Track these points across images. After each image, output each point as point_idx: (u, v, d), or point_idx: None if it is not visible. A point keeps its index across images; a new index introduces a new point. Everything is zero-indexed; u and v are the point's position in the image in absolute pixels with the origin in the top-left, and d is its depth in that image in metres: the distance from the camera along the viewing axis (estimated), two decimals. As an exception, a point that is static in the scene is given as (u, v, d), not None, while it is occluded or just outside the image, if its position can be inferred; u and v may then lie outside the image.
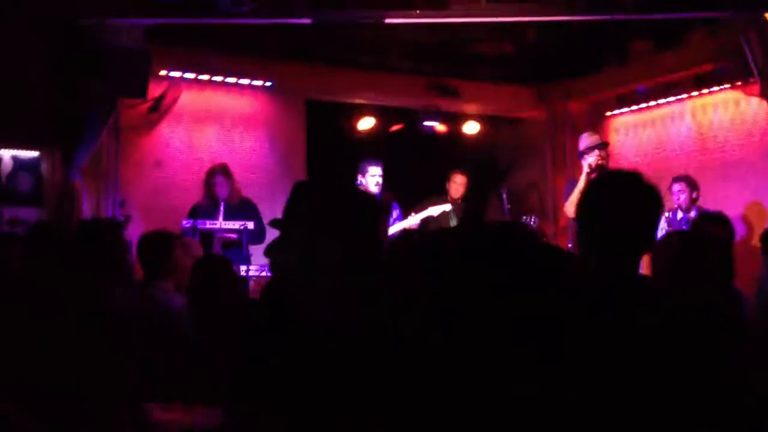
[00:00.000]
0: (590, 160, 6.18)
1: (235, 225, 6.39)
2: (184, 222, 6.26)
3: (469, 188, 7.81)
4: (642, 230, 2.08)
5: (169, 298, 4.12)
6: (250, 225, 6.38)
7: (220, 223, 6.38)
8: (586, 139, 6.44)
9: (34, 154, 5.93)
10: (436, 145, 8.85)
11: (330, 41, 7.50)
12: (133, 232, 6.14)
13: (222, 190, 6.63)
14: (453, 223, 7.39)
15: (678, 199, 6.81)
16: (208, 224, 6.30)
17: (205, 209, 6.59)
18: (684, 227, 6.57)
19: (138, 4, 5.48)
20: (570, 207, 6.19)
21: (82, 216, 5.95)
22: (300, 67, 7.79)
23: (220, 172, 6.70)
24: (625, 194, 2.08)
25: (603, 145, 6.42)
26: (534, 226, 7.12)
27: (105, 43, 5.59)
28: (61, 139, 5.81)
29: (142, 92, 6.00)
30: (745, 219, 7.29)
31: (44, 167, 5.97)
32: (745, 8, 5.94)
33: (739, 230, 6.65)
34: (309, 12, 5.61)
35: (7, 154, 5.83)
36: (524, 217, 7.32)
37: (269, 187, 7.74)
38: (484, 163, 9.19)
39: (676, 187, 6.85)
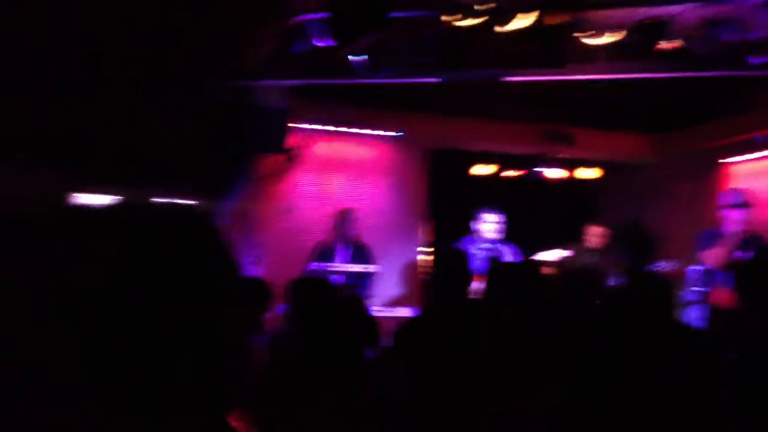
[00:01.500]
0: (740, 216, 6.33)
1: (359, 268, 6.82)
2: (312, 264, 6.72)
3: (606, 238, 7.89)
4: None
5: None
6: (372, 268, 6.79)
7: (345, 266, 6.81)
8: (730, 195, 6.58)
9: (191, 203, 6.56)
10: (554, 190, 9.08)
11: (450, 93, 7.89)
12: (264, 272, 6.69)
13: (351, 232, 7.09)
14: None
15: None
16: (337, 266, 6.73)
17: (327, 251, 7.04)
18: None
19: (280, 66, 6.00)
20: (710, 260, 6.35)
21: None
22: (422, 117, 8.24)
23: (347, 215, 7.18)
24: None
25: (746, 204, 6.53)
26: (671, 268, 7.22)
27: (249, 102, 6.17)
28: (210, 190, 6.41)
29: (280, 148, 6.56)
30: None
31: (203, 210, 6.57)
32: None
33: None
34: (438, 72, 6.00)
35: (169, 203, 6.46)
36: (662, 262, 7.34)
37: (388, 231, 8.19)
38: (600, 208, 9.35)
39: None
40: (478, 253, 7.28)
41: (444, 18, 5.07)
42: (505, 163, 8.94)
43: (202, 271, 1.06)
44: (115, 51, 5.48)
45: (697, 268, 6.59)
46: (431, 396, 3.05)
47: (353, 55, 5.25)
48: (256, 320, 4.54)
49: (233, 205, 6.56)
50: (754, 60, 5.63)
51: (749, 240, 6.26)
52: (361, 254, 7.06)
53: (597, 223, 7.92)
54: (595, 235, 7.81)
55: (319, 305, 3.96)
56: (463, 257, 3.94)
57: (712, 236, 6.49)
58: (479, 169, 8.75)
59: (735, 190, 6.77)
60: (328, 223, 7.39)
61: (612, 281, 6.70)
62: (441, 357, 3.18)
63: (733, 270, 5.46)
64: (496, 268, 3.78)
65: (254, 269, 7.25)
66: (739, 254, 6.11)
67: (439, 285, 3.44)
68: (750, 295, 2.31)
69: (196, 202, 6.33)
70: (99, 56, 5.48)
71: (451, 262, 3.71)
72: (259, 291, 4.63)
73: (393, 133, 8.17)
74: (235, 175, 6.39)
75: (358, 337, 3.55)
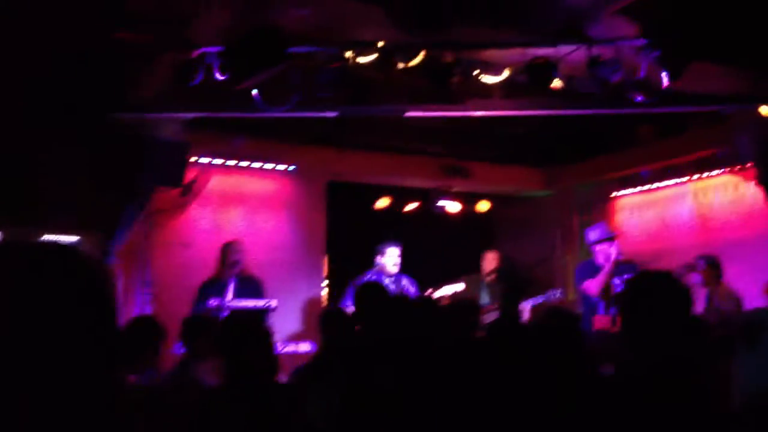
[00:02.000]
0: (613, 249, 6.61)
1: (259, 303, 6.69)
2: (211, 301, 6.55)
3: (502, 264, 8.11)
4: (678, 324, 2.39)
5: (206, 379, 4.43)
6: (274, 303, 6.68)
7: (240, 301, 6.65)
8: (599, 230, 6.88)
9: (75, 238, 6.31)
10: (450, 222, 9.24)
11: (349, 127, 7.94)
12: (160, 310, 6.50)
13: (239, 265, 6.92)
14: (484, 298, 7.78)
15: (693, 279, 6.93)
16: (242, 302, 6.57)
17: (214, 285, 6.83)
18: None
19: (176, 98, 5.90)
20: (593, 288, 6.62)
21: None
22: (321, 150, 8.25)
23: (232, 247, 7.01)
24: (664, 296, 2.40)
25: (615, 237, 6.85)
26: (560, 298, 7.49)
27: (144, 135, 6.02)
28: (100, 225, 6.20)
29: (178, 182, 6.42)
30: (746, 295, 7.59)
31: (83, 251, 6.34)
32: (739, 103, 6.37)
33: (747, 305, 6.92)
34: (335, 107, 6.03)
35: (50, 239, 6.22)
36: (550, 290, 7.59)
37: (290, 265, 8.12)
38: (496, 239, 9.57)
39: (700, 263, 6.99)
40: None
41: (341, 54, 5.11)
42: (403, 196, 9.04)
43: (75, 315, 1.07)
44: (6, 81, 5.28)
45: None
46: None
47: (250, 88, 5.21)
48: (147, 358, 4.42)
49: (124, 240, 6.35)
50: (637, 98, 5.92)
51: (622, 269, 6.58)
52: (250, 287, 6.90)
53: (491, 251, 8.13)
54: (489, 263, 8.03)
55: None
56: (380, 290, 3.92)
57: (590, 267, 6.80)
58: (378, 203, 8.82)
59: (600, 225, 7.12)
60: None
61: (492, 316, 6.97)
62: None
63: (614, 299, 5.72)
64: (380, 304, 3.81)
65: (146, 307, 7.04)
66: (616, 281, 6.46)
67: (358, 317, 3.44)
68: (629, 315, 2.42)
69: (79, 240, 6.12)
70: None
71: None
72: (149, 329, 4.51)
73: (290, 167, 8.14)
74: (128, 210, 6.20)
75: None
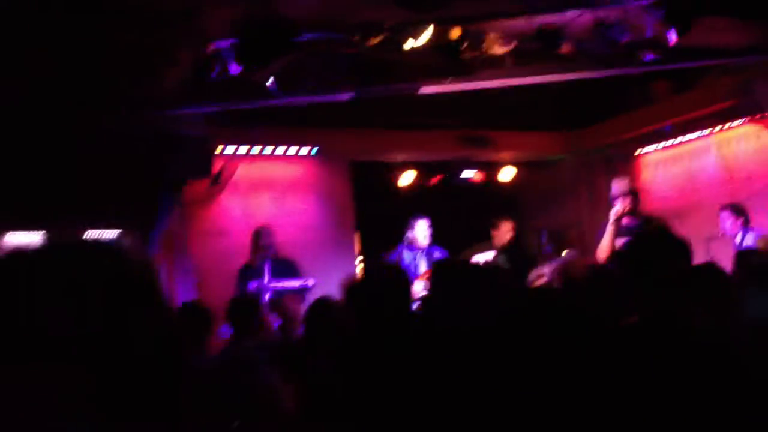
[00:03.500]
0: (617, 207, 6.46)
1: (296, 283, 6.91)
2: (251, 284, 6.79)
3: (516, 233, 8.16)
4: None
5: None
6: (311, 282, 6.89)
7: (280, 282, 6.87)
8: (614, 187, 6.83)
9: (115, 233, 6.59)
10: (475, 193, 9.36)
11: (367, 106, 8.08)
12: (203, 296, 6.76)
13: (271, 248, 7.15)
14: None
15: (724, 225, 7.04)
16: (280, 283, 6.79)
17: (251, 270, 7.07)
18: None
19: (197, 93, 6.09)
20: (600, 253, 6.50)
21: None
22: (342, 132, 8.41)
23: (263, 231, 7.25)
24: (659, 251, 2.52)
25: (630, 193, 6.67)
26: (573, 258, 7.53)
27: (170, 131, 6.25)
28: (138, 219, 6.46)
29: (207, 172, 6.65)
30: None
31: (125, 244, 6.64)
32: (753, 55, 6.38)
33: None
34: (351, 88, 6.18)
35: (93, 235, 6.50)
36: (565, 251, 7.69)
37: (322, 245, 8.33)
38: (522, 206, 9.67)
39: (722, 215, 7.07)
40: (412, 259, 7.51)
41: (350, 38, 5.25)
42: (426, 170, 9.17)
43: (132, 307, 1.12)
44: (38, 84, 5.52)
45: None
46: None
47: (266, 77, 5.38)
48: (198, 343, 4.66)
49: (162, 232, 6.61)
50: (647, 57, 5.98)
51: (639, 226, 6.42)
52: (285, 268, 7.11)
53: (506, 218, 8.12)
54: (504, 229, 8.02)
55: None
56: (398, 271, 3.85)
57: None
58: (402, 179, 8.96)
59: (619, 180, 6.98)
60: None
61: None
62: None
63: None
64: (440, 268, 3.74)
65: (189, 293, 7.30)
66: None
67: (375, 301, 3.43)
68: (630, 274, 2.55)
69: (120, 234, 6.38)
70: (23, 90, 5.51)
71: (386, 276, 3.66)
72: (197, 315, 4.74)
73: (313, 150, 8.32)
74: (162, 204, 6.46)
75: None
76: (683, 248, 2.68)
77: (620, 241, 6.28)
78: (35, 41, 5.11)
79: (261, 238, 7.23)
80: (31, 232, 6.39)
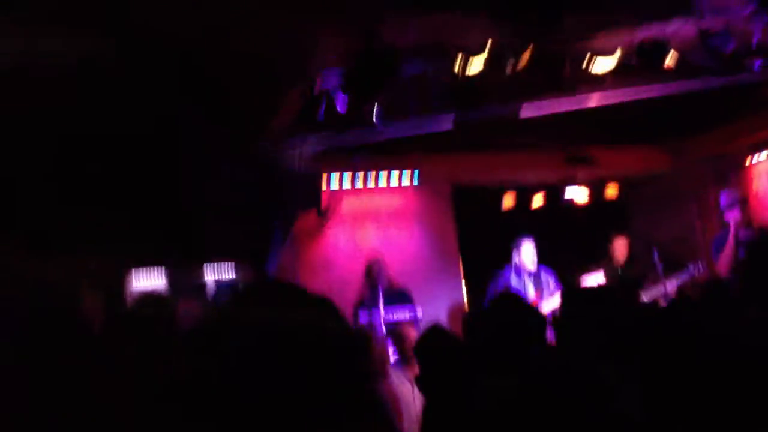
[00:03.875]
0: (736, 217, 6.43)
1: (405, 314, 7.00)
2: (362, 318, 6.91)
3: (631, 249, 8.03)
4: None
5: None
6: (420, 312, 6.97)
7: (389, 313, 6.98)
8: (725, 197, 6.72)
9: (231, 265, 6.85)
10: (581, 212, 9.24)
11: (467, 130, 8.13)
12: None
13: (384, 280, 7.27)
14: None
15: None
16: (393, 314, 6.90)
17: (366, 303, 7.20)
18: None
19: (306, 129, 6.30)
20: (721, 267, 6.43)
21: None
22: (441, 158, 8.49)
23: (377, 264, 7.37)
24: None
25: (742, 202, 6.63)
26: (701, 271, 7.35)
27: (282, 165, 6.48)
28: (251, 252, 6.70)
29: (316, 204, 6.86)
30: None
31: (238, 276, 6.89)
32: None
33: None
34: (451, 113, 6.25)
35: (210, 268, 6.80)
36: (690, 264, 7.47)
37: (427, 273, 8.39)
38: (630, 223, 9.49)
39: None
40: (519, 283, 7.47)
41: (452, 63, 5.34)
42: (529, 191, 9.14)
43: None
44: (164, 116, 5.82)
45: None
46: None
47: (372, 109, 5.52)
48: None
49: (276, 264, 6.83)
50: (756, 64, 5.83)
51: (755, 237, 6.35)
52: (399, 298, 7.22)
53: (621, 234, 8.01)
54: (620, 246, 7.91)
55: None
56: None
57: (723, 239, 6.62)
58: (504, 201, 8.96)
59: (729, 190, 6.89)
60: (362, 275, 7.57)
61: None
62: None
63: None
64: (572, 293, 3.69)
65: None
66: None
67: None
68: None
69: (236, 266, 6.61)
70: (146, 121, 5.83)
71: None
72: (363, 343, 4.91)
73: (414, 178, 8.42)
74: (275, 237, 6.68)
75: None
76: None
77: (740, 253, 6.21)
78: (163, 79, 5.42)
79: (373, 271, 7.37)
80: (153, 267, 6.72)
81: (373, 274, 7.36)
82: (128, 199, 6.15)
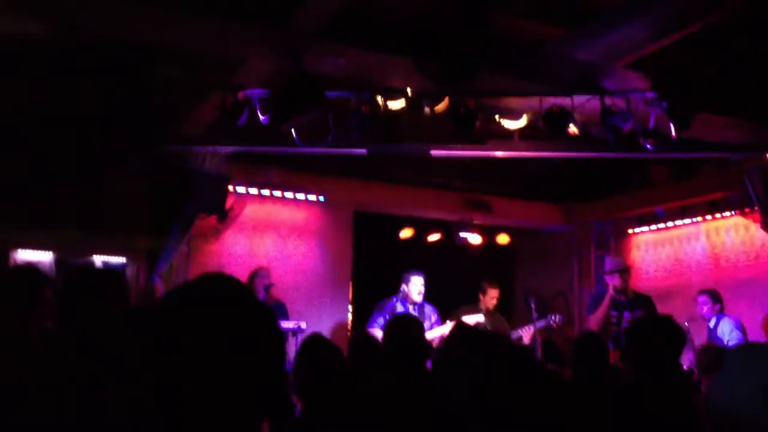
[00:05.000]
0: (615, 282, 6.94)
1: (290, 324, 7.13)
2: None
3: (500, 299, 8.40)
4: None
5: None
6: (303, 324, 7.12)
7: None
8: (609, 262, 7.23)
9: (122, 260, 6.82)
10: (471, 254, 9.63)
11: (377, 160, 8.39)
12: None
13: (262, 290, 7.40)
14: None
15: (702, 309, 7.39)
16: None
17: None
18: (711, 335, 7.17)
19: (219, 133, 6.40)
20: (592, 322, 6.93)
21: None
22: (348, 182, 8.71)
23: (261, 272, 7.51)
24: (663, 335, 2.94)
25: (625, 271, 7.13)
26: (557, 323, 7.89)
27: (190, 167, 6.53)
28: (145, 248, 6.71)
29: (220, 210, 6.92)
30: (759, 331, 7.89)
31: (129, 271, 6.87)
32: (748, 150, 6.75)
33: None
34: (365, 144, 6.49)
35: (99, 260, 6.74)
36: (550, 315, 7.97)
37: (318, 289, 8.57)
38: (515, 270, 9.95)
39: (700, 299, 7.45)
40: (403, 312, 7.72)
41: (373, 98, 5.58)
42: (426, 227, 9.47)
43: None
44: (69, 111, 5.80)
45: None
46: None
47: (290, 127, 5.66)
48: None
49: (168, 263, 6.84)
50: (648, 145, 6.31)
51: (635, 302, 6.89)
52: (276, 311, 7.34)
53: (493, 283, 8.36)
54: (490, 295, 8.26)
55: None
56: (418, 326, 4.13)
57: (599, 298, 7.13)
58: (402, 233, 9.25)
59: (613, 256, 7.44)
60: (262, 282, 7.65)
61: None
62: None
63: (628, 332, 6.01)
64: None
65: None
66: (627, 315, 6.75)
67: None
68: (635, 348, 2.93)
69: (126, 261, 6.60)
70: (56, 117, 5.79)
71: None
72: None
73: (320, 197, 8.60)
74: (173, 234, 6.70)
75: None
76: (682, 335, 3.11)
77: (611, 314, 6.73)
78: (83, 68, 5.42)
79: (258, 278, 7.47)
80: (41, 251, 6.64)
81: (255, 281, 7.46)
82: (31, 181, 6.10)
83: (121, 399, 1.33)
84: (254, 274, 7.55)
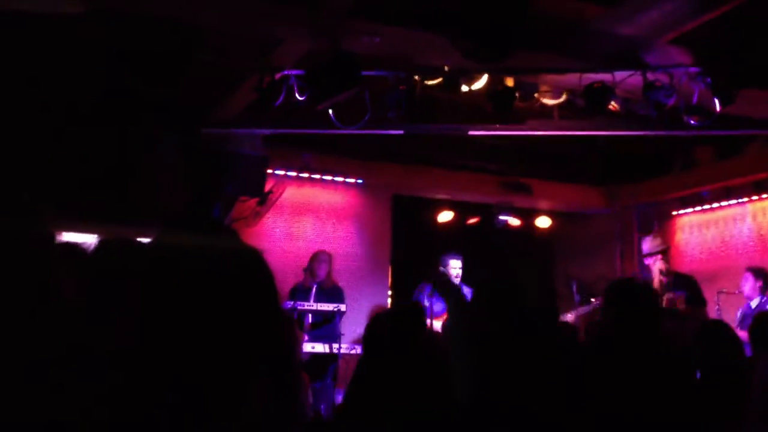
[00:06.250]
0: (660, 265, 6.77)
1: (329, 307, 7.16)
2: (287, 303, 7.04)
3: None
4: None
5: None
6: (343, 307, 7.14)
7: (315, 305, 7.15)
8: (648, 243, 7.07)
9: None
10: (511, 238, 9.55)
11: (414, 144, 8.38)
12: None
13: (321, 273, 7.43)
14: None
15: (743, 286, 7.18)
16: (306, 305, 7.08)
17: (300, 290, 7.36)
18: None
19: (259, 116, 6.42)
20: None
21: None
22: (387, 166, 8.70)
23: (324, 257, 7.53)
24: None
25: (664, 251, 6.95)
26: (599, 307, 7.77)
27: (230, 149, 6.58)
28: (191, 228, 6.76)
29: (259, 192, 6.95)
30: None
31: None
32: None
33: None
34: (402, 125, 6.46)
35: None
36: (592, 299, 7.85)
37: (357, 273, 8.58)
38: (557, 254, 9.85)
39: (744, 276, 7.21)
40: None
41: (410, 78, 5.55)
42: (465, 210, 9.41)
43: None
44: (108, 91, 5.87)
45: None
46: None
47: (327, 108, 5.66)
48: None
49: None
50: (691, 121, 6.19)
51: (677, 283, 6.72)
52: (332, 294, 7.37)
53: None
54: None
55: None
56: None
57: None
58: (440, 216, 9.22)
59: (650, 238, 7.23)
60: (298, 265, 7.69)
61: None
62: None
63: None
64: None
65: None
66: (669, 295, 6.58)
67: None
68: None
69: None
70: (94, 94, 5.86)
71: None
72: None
73: (358, 180, 8.61)
74: (213, 216, 6.76)
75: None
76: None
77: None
78: (117, 47, 5.48)
79: (314, 262, 7.50)
80: (84, 234, 6.73)
81: (312, 265, 7.48)
82: (74, 161, 6.19)
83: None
84: (314, 258, 7.58)
